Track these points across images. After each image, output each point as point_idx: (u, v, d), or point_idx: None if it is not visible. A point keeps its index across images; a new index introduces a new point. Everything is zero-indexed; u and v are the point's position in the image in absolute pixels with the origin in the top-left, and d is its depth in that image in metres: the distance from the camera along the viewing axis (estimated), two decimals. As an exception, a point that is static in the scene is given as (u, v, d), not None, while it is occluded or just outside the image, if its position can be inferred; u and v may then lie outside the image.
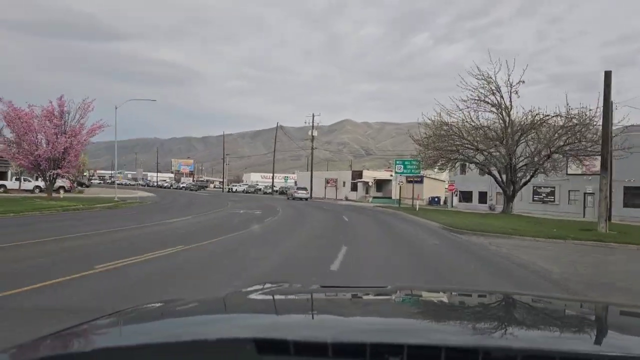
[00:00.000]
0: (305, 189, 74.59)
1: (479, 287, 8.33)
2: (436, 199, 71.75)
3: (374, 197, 75.54)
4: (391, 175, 79.07)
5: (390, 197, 76.37)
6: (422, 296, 2.25)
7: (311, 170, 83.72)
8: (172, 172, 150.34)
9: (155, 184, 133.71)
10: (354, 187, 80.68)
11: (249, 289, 2.08)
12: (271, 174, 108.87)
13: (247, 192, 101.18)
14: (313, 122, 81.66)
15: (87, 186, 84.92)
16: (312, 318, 1.63)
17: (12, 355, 1.24)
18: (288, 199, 71.42)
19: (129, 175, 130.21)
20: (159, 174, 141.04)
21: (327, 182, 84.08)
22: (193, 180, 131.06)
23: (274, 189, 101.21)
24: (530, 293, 2.98)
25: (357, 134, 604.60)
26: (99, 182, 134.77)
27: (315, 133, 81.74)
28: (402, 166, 54.62)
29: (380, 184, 78.31)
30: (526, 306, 2.01)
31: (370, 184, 76.01)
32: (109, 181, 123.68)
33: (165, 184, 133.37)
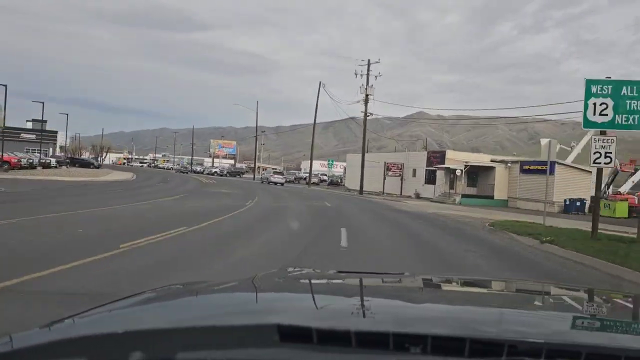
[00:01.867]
0: (281, 173, 67.51)
1: None
2: (577, 203, 38.28)
3: (464, 196, 43.20)
4: (499, 161, 46.09)
5: (491, 197, 43.49)
6: (442, 284, 2.13)
7: (363, 147, 52.06)
8: (209, 155, 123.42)
9: (194, 169, 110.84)
10: (431, 178, 48.37)
11: (268, 273, 2.03)
12: (343, 163, 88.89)
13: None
14: (368, 70, 49.98)
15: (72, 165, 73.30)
16: (333, 306, 1.55)
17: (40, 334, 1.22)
18: (262, 182, 64.36)
19: (184, 161, 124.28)
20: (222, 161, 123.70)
21: (387, 168, 52.06)
22: (234, 165, 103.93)
23: (323, 178, 72.85)
24: (565, 285, 3.11)
25: (430, 127, 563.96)
26: (139, 165, 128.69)
27: (370, 91, 49.80)
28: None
29: (475, 174, 45.48)
30: (560, 298, 1.94)
31: (458, 172, 43.48)
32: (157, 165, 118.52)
33: (198, 169, 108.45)
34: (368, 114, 49.87)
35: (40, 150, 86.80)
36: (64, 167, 71.74)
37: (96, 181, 39.52)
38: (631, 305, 1.88)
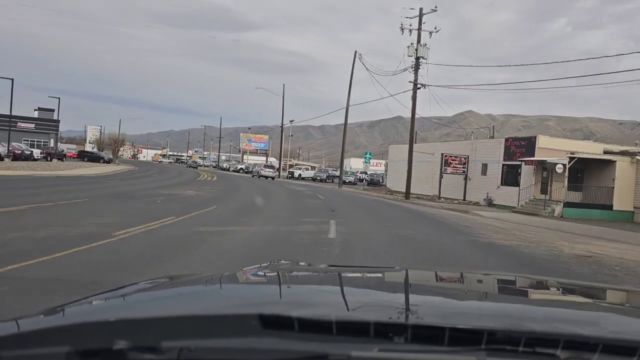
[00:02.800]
0: (272, 167, 64.28)
1: None
2: None
3: (568, 205, 27.38)
4: (619, 153, 30.63)
5: (609, 206, 27.67)
6: (430, 277, 2.17)
7: (411, 134, 36.71)
8: (238, 151, 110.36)
9: (220, 166, 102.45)
10: (511, 177, 32.54)
11: (257, 266, 2.04)
12: (380, 160, 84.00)
13: (315, 179, 66.73)
14: (420, 22, 34.43)
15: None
16: (318, 296, 1.58)
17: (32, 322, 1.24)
18: (253, 176, 61.17)
19: (222, 157, 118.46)
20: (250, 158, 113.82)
21: (446, 162, 36.25)
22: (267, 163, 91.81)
23: (362, 177, 59.96)
24: (544, 277, 2.80)
25: (479, 126, 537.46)
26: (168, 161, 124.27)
27: (423, 52, 34.29)
28: None
29: (580, 171, 29.41)
30: (539, 290, 1.99)
31: (559, 168, 27.55)
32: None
33: (224, 165, 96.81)
34: (419, 85, 34.40)
35: (53, 140, 75.46)
36: (54, 161, 60.68)
37: (65, 175, 32.28)
38: (619, 299, 1.90)
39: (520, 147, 31.89)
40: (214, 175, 56.83)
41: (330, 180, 66.55)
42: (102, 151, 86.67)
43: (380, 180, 60.27)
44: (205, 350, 1.03)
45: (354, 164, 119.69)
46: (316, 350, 1.01)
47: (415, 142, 38.19)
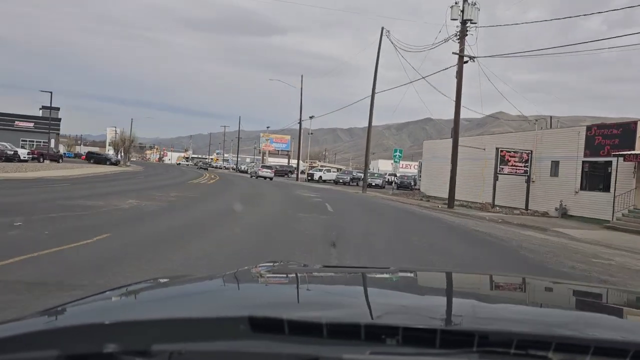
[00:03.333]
0: (270, 167, 60.92)
1: None
2: None
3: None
4: None
5: None
6: (423, 278, 2.13)
7: (456, 118, 28.02)
8: (259, 152, 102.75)
9: (240, 168, 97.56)
10: (597, 178, 23.64)
11: (251, 267, 1.99)
12: (410, 162, 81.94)
13: (337, 182, 59.14)
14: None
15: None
16: (311, 298, 1.55)
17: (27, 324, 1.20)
18: (251, 176, 59.08)
19: (247, 160, 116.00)
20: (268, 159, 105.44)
21: (502, 160, 27.36)
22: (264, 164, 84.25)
23: (391, 179, 55.14)
24: (539, 277, 2.94)
25: (510, 128, 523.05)
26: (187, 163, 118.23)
27: (471, 13, 25.66)
28: None
29: None
30: (534, 290, 1.95)
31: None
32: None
33: (243, 167, 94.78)
34: (466, 58, 25.75)
35: (54, 140, 68.88)
36: (46, 162, 54.28)
37: (22, 178, 26.40)
38: (613, 300, 1.85)
39: (610, 138, 22.80)
40: (216, 177, 49.57)
41: (355, 183, 58.23)
42: (118, 153, 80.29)
43: (412, 183, 51.62)
44: (196, 354, 1.02)
45: (382, 165, 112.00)
46: (307, 353, 0.99)
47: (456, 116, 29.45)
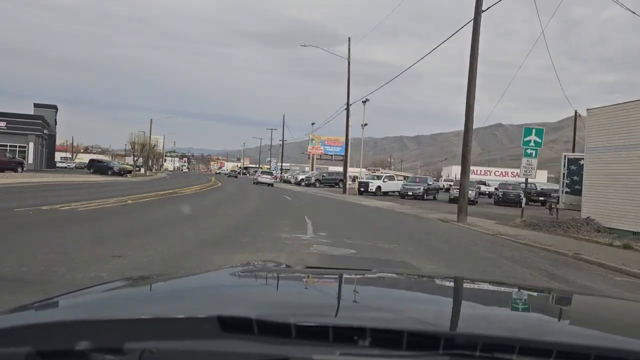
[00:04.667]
0: (270, 173, 59.79)
1: None
2: None
3: None
4: None
5: None
6: (403, 281, 2.07)
7: None
8: (307, 156, 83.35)
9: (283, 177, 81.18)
10: None
11: (230, 267, 1.98)
12: (488, 168, 70.71)
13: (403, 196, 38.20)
14: None
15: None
16: (284, 298, 1.53)
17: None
18: (254, 183, 53.51)
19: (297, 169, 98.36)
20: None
21: None
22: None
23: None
24: (516, 283, 2.82)
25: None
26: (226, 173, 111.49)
27: None
28: None
29: None
30: (503, 294, 1.90)
31: None
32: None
33: (286, 176, 72.06)
34: None
35: (32, 143, 53.12)
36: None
37: None
38: (582, 305, 1.81)
39: None
40: (213, 185, 33.29)
41: (432, 197, 37.37)
42: (135, 161, 63.45)
43: (520, 197, 30.17)
44: (166, 353, 1.01)
45: (456, 172, 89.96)
46: (276, 354, 0.98)
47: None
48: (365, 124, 43.40)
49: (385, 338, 1.00)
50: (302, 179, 59.72)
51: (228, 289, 1.64)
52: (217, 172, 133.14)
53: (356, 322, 1.08)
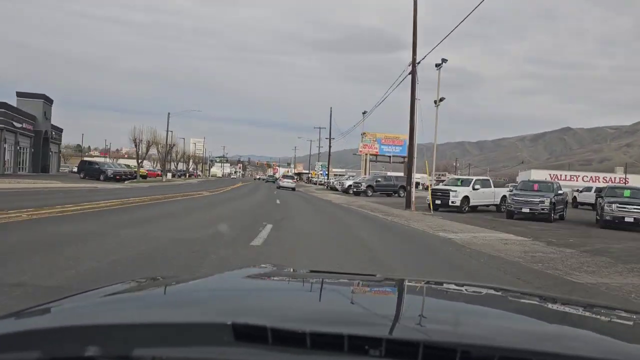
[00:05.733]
0: (292, 177, 57.89)
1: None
2: None
3: None
4: None
5: None
6: (411, 288, 1.93)
7: None
8: (360, 158, 67.27)
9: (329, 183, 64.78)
10: None
11: (240, 269, 1.89)
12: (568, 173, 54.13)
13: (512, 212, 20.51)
14: None
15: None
16: (297, 305, 1.46)
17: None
18: (277, 187, 49.94)
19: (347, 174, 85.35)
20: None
21: None
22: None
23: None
24: (532, 292, 2.57)
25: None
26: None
27: None
28: None
29: None
30: (522, 305, 1.72)
31: None
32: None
33: (332, 182, 55.26)
34: None
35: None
36: None
37: None
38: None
39: None
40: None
41: (558, 215, 20.86)
42: (141, 162, 50.27)
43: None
44: None
45: (536, 176, 72.27)
46: None
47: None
48: (442, 99, 27.09)
49: (397, 349, 0.95)
50: (349, 186, 44.13)
51: (239, 294, 1.57)
52: (257, 177, 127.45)
53: (373, 332, 1.04)
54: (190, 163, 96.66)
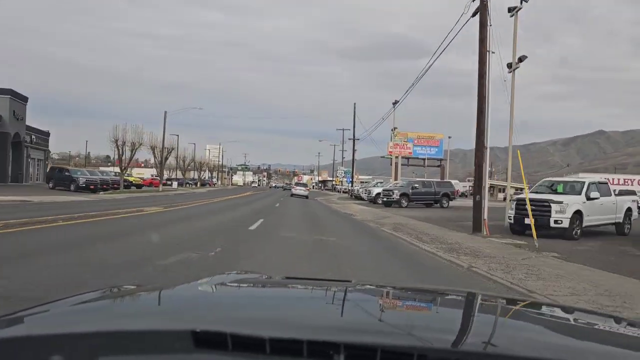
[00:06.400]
0: (305, 185, 54.35)
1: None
2: None
3: None
4: None
5: None
6: (382, 294, 1.90)
7: None
8: (392, 163, 57.53)
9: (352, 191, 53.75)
10: None
11: (209, 277, 1.81)
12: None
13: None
14: None
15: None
16: (261, 312, 1.41)
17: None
18: (291, 195, 45.58)
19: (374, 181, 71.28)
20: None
21: None
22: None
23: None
24: (497, 295, 2.55)
25: None
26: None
27: None
28: None
29: None
30: (487, 309, 1.69)
31: None
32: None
33: (356, 189, 45.14)
34: None
35: None
36: None
37: None
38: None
39: None
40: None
41: None
42: (125, 170, 41.67)
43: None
44: None
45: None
46: None
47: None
48: (521, 59, 17.08)
49: (360, 355, 0.94)
50: (377, 194, 34.59)
51: (205, 302, 1.53)
52: (272, 185, 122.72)
53: (331, 337, 1.02)
54: (206, 171, 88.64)
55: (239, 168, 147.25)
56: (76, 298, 1.43)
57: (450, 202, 31.80)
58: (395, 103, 35.23)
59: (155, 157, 45.25)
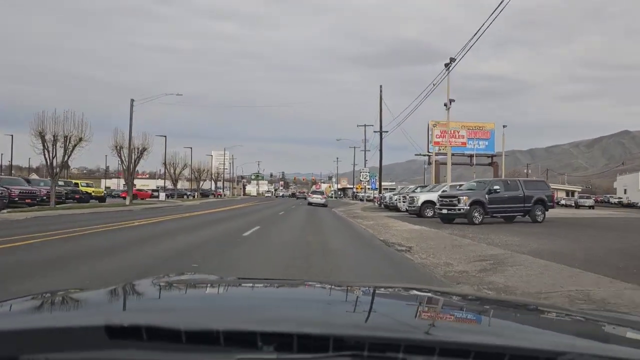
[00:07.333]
0: (322, 193, 48.67)
1: None
2: None
3: None
4: None
5: None
6: (325, 291, 1.88)
7: None
8: (426, 162, 45.55)
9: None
10: None
11: (156, 277, 1.80)
12: None
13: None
14: None
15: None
16: (187, 306, 1.43)
17: None
18: (308, 204, 40.46)
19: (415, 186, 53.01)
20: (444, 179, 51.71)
21: None
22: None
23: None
24: (433, 288, 2.46)
25: None
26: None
27: None
28: None
29: None
30: (422, 303, 1.69)
31: None
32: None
33: (387, 197, 31.39)
34: None
35: None
36: None
37: None
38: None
39: None
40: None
41: None
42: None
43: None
44: None
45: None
46: (166, 359, 0.94)
47: None
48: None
49: (276, 341, 0.94)
50: (426, 203, 22.59)
51: (135, 300, 1.53)
52: (280, 194, 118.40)
53: (248, 326, 1.02)
54: (211, 180, 77.67)
55: (252, 177, 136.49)
56: (6, 303, 1.38)
57: (544, 212, 19.61)
58: (449, 64, 22.87)
59: (122, 159, 33.96)
